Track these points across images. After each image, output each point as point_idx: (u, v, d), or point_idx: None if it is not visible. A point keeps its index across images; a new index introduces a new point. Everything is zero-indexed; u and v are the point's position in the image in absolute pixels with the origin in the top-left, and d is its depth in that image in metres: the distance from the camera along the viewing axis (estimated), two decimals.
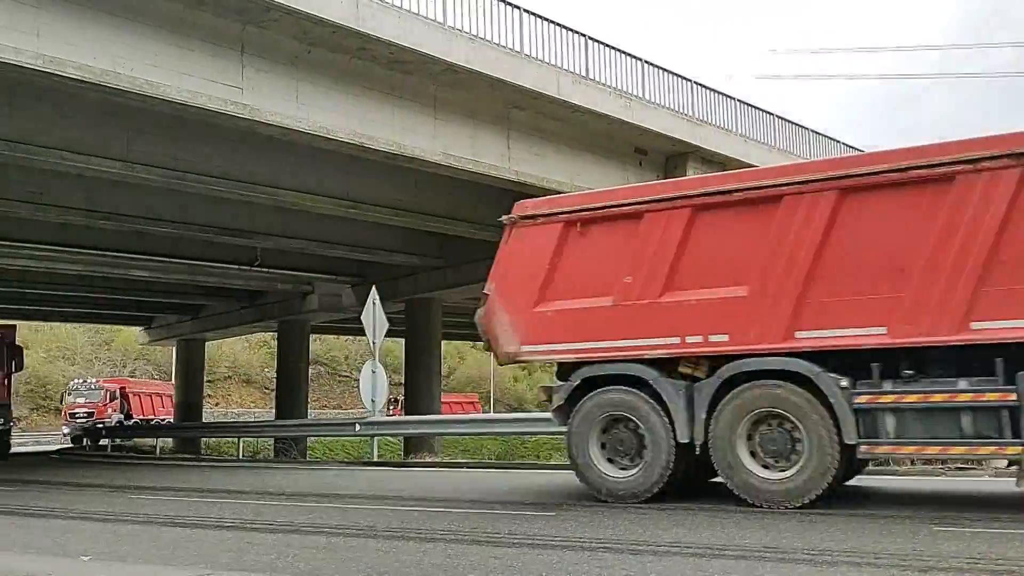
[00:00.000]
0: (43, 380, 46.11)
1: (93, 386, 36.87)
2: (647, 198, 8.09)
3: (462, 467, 14.14)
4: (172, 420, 35.80)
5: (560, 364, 8.47)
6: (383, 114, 13.80)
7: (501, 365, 9.54)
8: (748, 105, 19.91)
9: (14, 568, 5.41)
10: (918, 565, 4.62)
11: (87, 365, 48.84)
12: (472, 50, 13.89)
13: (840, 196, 7.11)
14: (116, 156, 13.84)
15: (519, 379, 63.36)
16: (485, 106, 15.13)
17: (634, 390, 7.68)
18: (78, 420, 34.21)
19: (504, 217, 8.80)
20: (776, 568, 4.68)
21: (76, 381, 38.33)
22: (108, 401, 35.86)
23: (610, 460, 7.82)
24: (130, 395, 38.00)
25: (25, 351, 22.82)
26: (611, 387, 7.82)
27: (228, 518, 7.73)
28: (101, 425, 32.07)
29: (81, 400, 35.80)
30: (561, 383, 8.26)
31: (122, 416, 35.37)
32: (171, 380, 40.96)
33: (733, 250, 7.55)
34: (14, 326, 23.02)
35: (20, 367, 22.57)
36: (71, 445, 31.78)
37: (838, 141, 22.81)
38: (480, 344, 57.37)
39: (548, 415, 9.13)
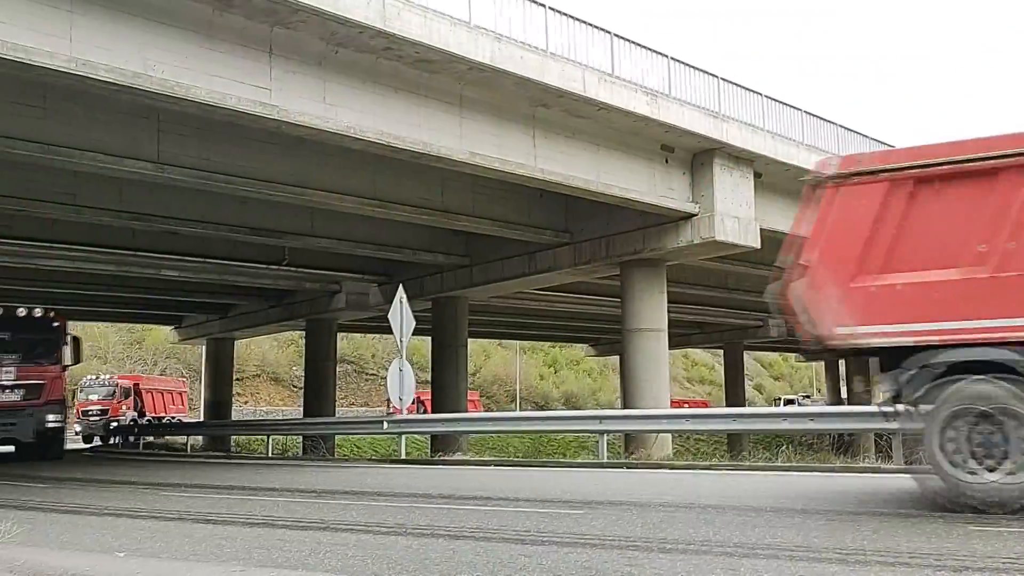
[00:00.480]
0: (76, 379, 46.69)
1: (106, 383, 35.66)
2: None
3: (489, 465, 14.16)
4: (181, 418, 35.87)
5: (886, 350, 7.01)
6: (409, 114, 13.86)
7: (814, 351, 7.79)
8: (775, 101, 19.73)
9: (51, 564, 5.50)
10: (953, 565, 4.56)
11: (119, 364, 49.44)
12: (497, 49, 13.90)
13: None
14: (147, 157, 14.03)
15: (545, 377, 63.42)
16: (511, 105, 15.14)
17: (1004, 382, 6.34)
18: (91, 418, 33.77)
19: (830, 171, 7.33)
20: (808, 568, 4.64)
21: (89, 377, 36.71)
22: (122, 398, 34.79)
23: (972, 462, 6.44)
24: (143, 392, 37.09)
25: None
26: (973, 376, 6.43)
27: (259, 515, 7.81)
28: (116, 424, 31.77)
29: (94, 397, 34.72)
30: (901, 371, 6.80)
31: (136, 414, 34.54)
32: (200, 378, 41.21)
33: None
34: (64, 316, 20.62)
35: (78, 359, 20.55)
36: (84, 445, 31.40)
37: (865, 135, 22.56)
38: (506, 343, 57.46)
39: (575, 413, 8.93)
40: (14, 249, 19.56)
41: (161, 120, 13.94)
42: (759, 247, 18.76)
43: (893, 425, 7.13)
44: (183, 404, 39.64)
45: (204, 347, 37.40)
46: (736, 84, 18.70)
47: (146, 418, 34.33)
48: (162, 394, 39.06)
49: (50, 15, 10.42)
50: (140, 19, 11.13)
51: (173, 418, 36.23)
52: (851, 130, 22.18)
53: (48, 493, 11.55)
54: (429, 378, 26.54)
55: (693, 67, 17.78)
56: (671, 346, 21.04)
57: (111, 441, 30.48)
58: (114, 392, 35.00)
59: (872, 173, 7.04)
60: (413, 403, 27.83)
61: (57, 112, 13.09)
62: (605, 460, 13.81)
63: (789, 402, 46.21)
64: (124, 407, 34.54)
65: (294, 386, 50.79)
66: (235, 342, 36.58)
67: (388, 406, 39.60)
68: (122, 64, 10.91)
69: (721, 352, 49.94)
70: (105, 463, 19.34)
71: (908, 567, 4.56)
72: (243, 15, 11.84)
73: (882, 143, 22.75)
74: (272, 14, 11.90)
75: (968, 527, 5.78)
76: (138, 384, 37.64)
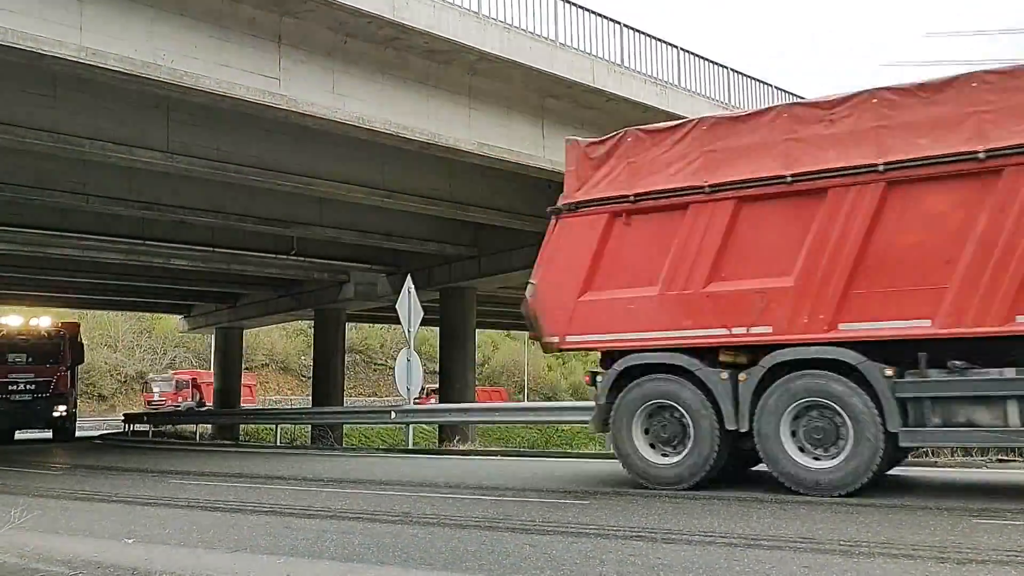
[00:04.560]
0: (86, 367, 47.08)
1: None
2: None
3: (496, 455, 14.20)
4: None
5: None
6: (418, 104, 13.85)
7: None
8: (786, 92, 19.66)
9: (61, 550, 5.56)
10: (956, 558, 4.57)
11: (128, 352, 49.74)
12: (506, 39, 13.88)
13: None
14: (157, 147, 14.07)
15: (553, 368, 63.47)
16: (520, 95, 15.11)
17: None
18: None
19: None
20: (811, 559, 4.65)
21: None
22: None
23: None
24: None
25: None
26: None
27: (267, 503, 7.86)
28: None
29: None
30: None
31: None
32: (209, 368, 42.28)
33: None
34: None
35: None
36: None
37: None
38: (514, 333, 57.30)
39: (581, 404, 9.23)
40: (26, 238, 19.69)
41: (171, 109, 13.97)
42: None
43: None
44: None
45: (213, 336, 37.61)
46: (746, 75, 18.64)
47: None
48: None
49: (60, 4, 10.45)
50: (150, 8, 11.16)
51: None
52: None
53: (58, 480, 11.66)
54: (437, 368, 26.59)
55: (703, 58, 17.72)
56: None
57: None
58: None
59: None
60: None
61: (67, 101, 13.12)
62: (611, 450, 13.82)
63: None
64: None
65: (303, 376, 51.04)
66: (244, 331, 36.74)
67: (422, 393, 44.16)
68: (132, 53, 10.94)
69: None
70: (115, 451, 19.49)
71: (911, 559, 4.57)
72: (252, 5, 11.86)
73: None
74: (281, 4, 11.91)
75: (972, 520, 5.78)
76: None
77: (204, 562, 5.10)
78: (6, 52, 10.23)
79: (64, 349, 23.84)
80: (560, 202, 8.71)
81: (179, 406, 36.67)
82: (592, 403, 8.50)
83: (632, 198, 8.13)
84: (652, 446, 7.89)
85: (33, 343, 23.39)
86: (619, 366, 8.02)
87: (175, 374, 44.25)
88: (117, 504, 8.36)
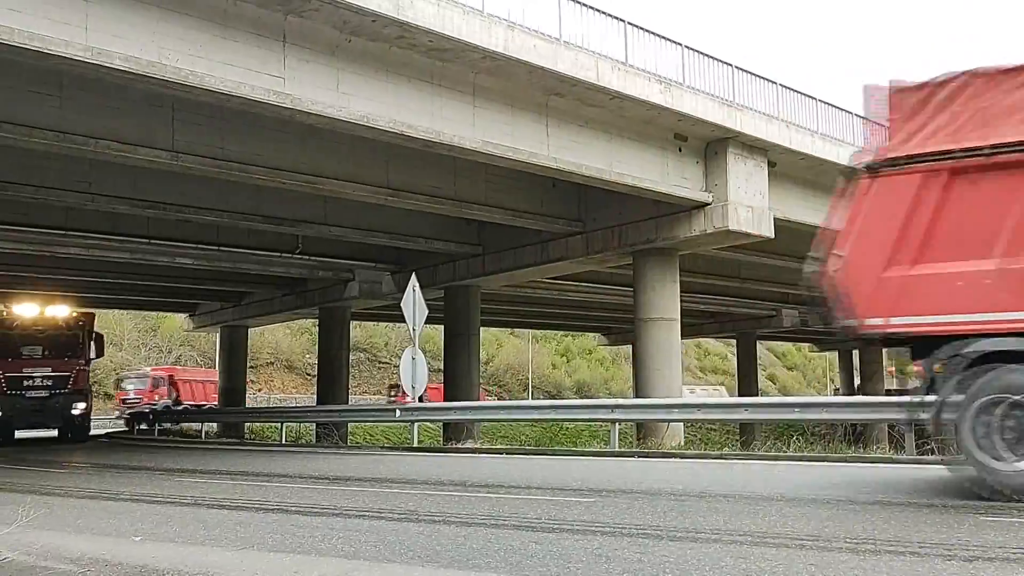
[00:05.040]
0: (92, 365, 47.18)
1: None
2: None
3: (501, 453, 14.21)
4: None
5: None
6: (422, 102, 13.86)
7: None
8: (790, 89, 19.59)
9: (68, 547, 5.58)
10: (963, 555, 4.56)
11: (134, 351, 49.82)
12: (511, 37, 13.87)
13: None
14: (161, 146, 14.10)
15: (557, 366, 63.47)
16: (524, 93, 15.11)
17: None
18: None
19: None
20: (818, 557, 4.65)
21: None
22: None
23: (1011, 450, 6.41)
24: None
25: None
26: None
27: (272, 501, 7.88)
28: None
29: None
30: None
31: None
32: (215, 366, 41.92)
33: None
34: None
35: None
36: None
37: (884, 125, 22.32)
38: (519, 332, 57.26)
39: (586, 402, 8.93)
40: (32, 237, 19.74)
41: (175, 109, 14.00)
42: (773, 236, 18.68)
43: (923, 415, 7.03)
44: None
45: (218, 335, 37.67)
46: (750, 73, 18.58)
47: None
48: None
49: (66, 4, 10.48)
50: (154, 8, 11.18)
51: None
52: (869, 119, 21.95)
53: (65, 478, 11.69)
54: (442, 366, 26.62)
55: (707, 55, 17.68)
56: (684, 336, 21.02)
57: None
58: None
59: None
60: None
61: (73, 101, 13.16)
62: (617, 449, 13.84)
63: None
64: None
65: (308, 374, 51.06)
66: (249, 330, 36.79)
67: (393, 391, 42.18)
68: (137, 53, 10.96)
69: (734, 342, 49.80)
70: (121, 449, 19.54)
71: (918, 556, 4.57)
72: (256, 4, 11.87)
73: None
74: (286, 3, 11.92)
75: (979, 517, 5.77)
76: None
77: (211, 559, 5.11)
78: (15, 53, 10.26)
79: (83, 341, 21.96)
80: (878, 156, 7.27)
81: (155, 405, 34.39)
82: (597, 402, 8.36)
83: (987, 151, 6.71)
84: (1010, 449, 6.40)
85: (50, 335, 21.51)
86: (970, 353, 6.58)
87: (152, 370, 40.84)
88: (124, 502, 8.38)
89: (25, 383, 20.84)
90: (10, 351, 20.92)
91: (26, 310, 21.89)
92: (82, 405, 21.59)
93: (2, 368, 20.71)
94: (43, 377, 20.93)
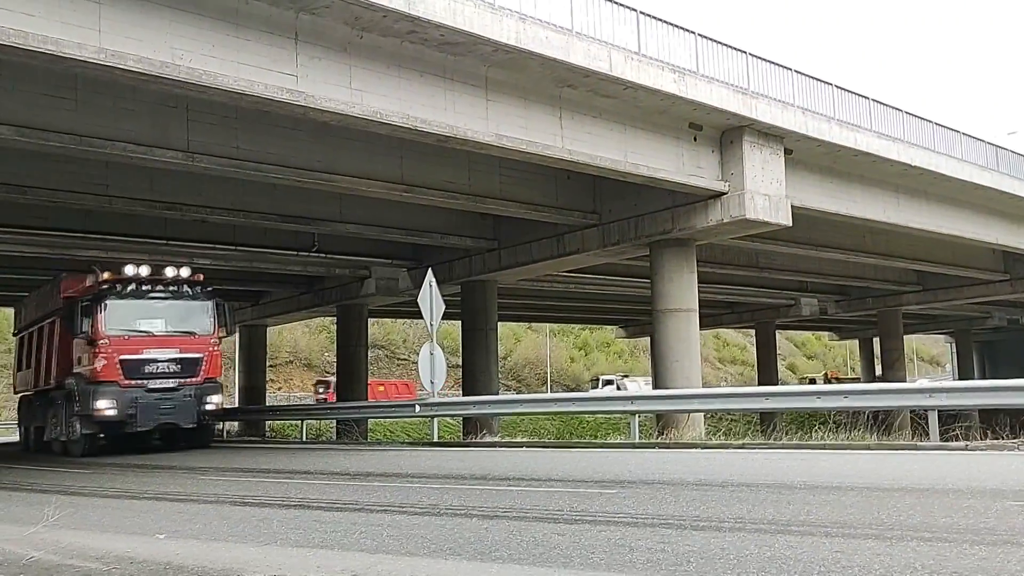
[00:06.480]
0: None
1: None
2: None
3: (521, 447, 14.21)
4: None
5: None
6: (435, 97, 13.84)
7: None
8: (806, 76, 19.40)
9: (94, 546, 5.62)
10: (991, 540, 4.50)
11: None
12: (522, 30, 13.82)
13: None
14: (176, 146, 14.16)
15: (575, 359, 63.44)
16: (536, 86, 15.06)
17: None
18: None
19: None
20: (843, 544, 4.61)
21: None
22: None
23: None
24: None
25: None
26: None
27: (294, 497, 7.91)
28: None
29: None
30: None
31: None
32: (234, 365, 41.98)
33: None
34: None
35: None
36: None
37: (899, 109, 22.12)
38: (536, 326, 57.21)
39: (606, 395, 8.94)
40: (50, 240, 19.88)
41: (190, 109, 14.06)
42: (791, 224, 18.53)
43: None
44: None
45: (237, 334, 37.88)
46: (765, 60, 18.41)
47: None
48: None
49: (79, 7, 10.52)
50: (167, 9, 11.21)
51: None
52: (886, 104, 21.77)
53: (89, 478, 11.79)
54: (460, 362, 26.64)
55: (721, 43, 17.54)
56: (702, 326, 20.91)
57: None
58: None
59: None
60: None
61: (88, 103, 13.24)
62: (637, 440, 13.81)
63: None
64: None
65: (327, 372, 51.27)
66: (268, 329, 36.98)
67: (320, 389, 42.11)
68: (150, 54, 10.99)
69: (753, 332, 49.55)
70: (140, 448, 19.68)
71: (945, 542, 4.51)
72: (268, 2, 11.88)
73: (920, 118, 22.33)
74: (297, 0, 11.93)
75: (1007, 503, 5.70)
76: None
77: (234, 555, 5.13)
78: (30, 56, 10.33)
79: (215, 313, 17.14)
80: None
81: None
82: (616, 394, 8.35)
83: None
84: None
85: (174, 305, 16.74)
86: None
87: None
88: (147, 500, 8.44)
89: (146, 369, 16.05)
90: (127, 324, 16.11)
91: (143, 269, 17.00)
92: (217, 398, 16.88)
93: (116, 348, 15.84)
94: (169, 361, 16.28)
